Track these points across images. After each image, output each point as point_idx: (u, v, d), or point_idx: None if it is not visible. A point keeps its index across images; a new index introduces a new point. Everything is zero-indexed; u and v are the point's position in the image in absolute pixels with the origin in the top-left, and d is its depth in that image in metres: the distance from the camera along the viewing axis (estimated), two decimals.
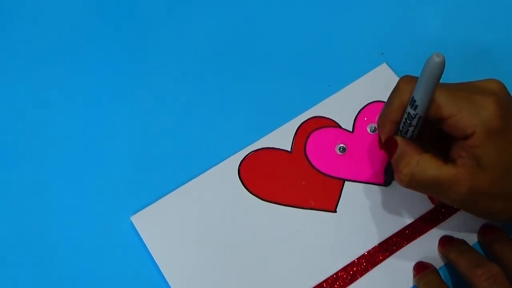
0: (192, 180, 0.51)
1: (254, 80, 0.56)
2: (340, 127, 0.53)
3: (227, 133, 0.54)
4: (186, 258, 0.49)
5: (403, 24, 0.57)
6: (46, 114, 0.55)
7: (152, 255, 0.49)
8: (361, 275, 0.48)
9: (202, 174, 0.52)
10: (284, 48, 0.57)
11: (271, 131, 0.53)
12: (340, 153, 0.52)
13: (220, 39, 0.58)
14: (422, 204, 0.50)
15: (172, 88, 0.56)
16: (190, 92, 0.56)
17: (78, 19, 0.59)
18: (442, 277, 0.46)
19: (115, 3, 0.60)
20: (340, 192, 0.51)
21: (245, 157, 0.52)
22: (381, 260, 0.48)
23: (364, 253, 0.49)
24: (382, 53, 0.56)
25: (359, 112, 0.54)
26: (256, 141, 0.53)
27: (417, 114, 0.42)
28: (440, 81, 0.41)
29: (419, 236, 0.49)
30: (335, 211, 0.50)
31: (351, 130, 0.53)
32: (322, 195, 0.51)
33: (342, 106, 0.54)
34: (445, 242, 0.48)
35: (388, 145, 0.46)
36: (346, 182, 0.51)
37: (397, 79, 0.54)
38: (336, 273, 0.48)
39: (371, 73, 0.55)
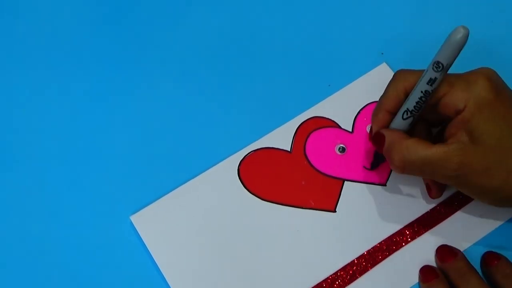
0: (192, 180, 0.51)
1: (254, 80, 0.56)
2: (340, 127, 0.53)
3: (226, 132, 0.54)
4: (185, 257, 0.49)
5: (403, 24, 0.57)
6: (46, 114, 0.55)
7: (152, 255, 0.49)
8: (361, 274, 0.48)
9: (202, 174, 0.52)
10: (283, 48, 0.57)
11: (270, 131, 0.53)
12: (339, 153, 0.53)
13: (220, 39, 0.58)
14: (421, 204, 0.50)
15: (171, 88, 0.56)
16: (189, 92, 0.56)
17: (78, 19, 0.59)
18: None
19: (115, 2, 0.60)
20: (340, 192, 0.51)
21: (244, 156, 0.52)
22: (381, 260, 0.48)
23: (364, 253, 0.49)
24: (382, 53, 0.56)
25: (358, 112, 0.54)
26: (255, 141, 0.53)
27: (432, 90, 0.43)
28: None
29: (418, 236, 0.49)
30: (335, 211, 0.50)
31: (350, 130, 0.53)
32: (322, 195, 0.51)
33: (342, 106, 0.54)
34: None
35: (376, 139, 0.47)
36: (345, 182, 0.51)
37: None
38: (336, 273, 0.48)
39: (371, 73, 0.55)
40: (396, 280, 0.48)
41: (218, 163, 0.52)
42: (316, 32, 0.58)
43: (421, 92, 0.44)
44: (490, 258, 0.47)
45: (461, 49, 0.42)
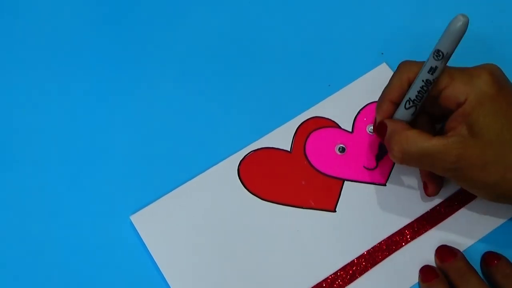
0: (192, 180, 0.51)
1: (254, 80, 0.56)
2: (340, 127, 0.53)
3: (226, 132, 0.54)
4: (185, 257, 0.49)
5: (403, 24, 0.57)
6: (46, 114, 0.55)
7: (152, 255, 0.49)
8: (361, 274, 0.48)
9: (202, 174, 0.52)
10: (283, 48, 0.57)
11: (270, 131, 0.53)
12: (339, 153, 0.53)
13: (220, 39, 0.58)
14: (421, 204, 0.50)
15: (171, 88, 0.56)
16: (189, 92, 0.56)
17: (78, 19, 0.59)
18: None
19: (115, 2, 0.60)
20: (340, 192, 0.51)
21: (244, 156, 0.52)
22: (381, 260, 0.48)
23: (364, 253, 0.49)
24: (382, 53, 0.56)
25: (358, 112, 0.54)
26: (255, 141, 0.53)
27: (434, 79, 0.44)
28: None
29: (418, 236, 0.49)
30: (335, 211, 0.50)
31: (350, 130, 0.53)
32: (322, 195, 0.51)
33: (342, 106, 0.54)
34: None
35: (379, 128, 0.47)
36: (345, 182, 0.51)
37: None
38: (336, 273, 0.48)
39: (370, 73, 0.55)
40: (396, 280, 0.48)
41: (218, 163, 0.52)
42: (316, 32, 0.58)
43: (422, 81, 0.44)
44: (490, 258, 0.47)
45: (461, 38, 0.42)
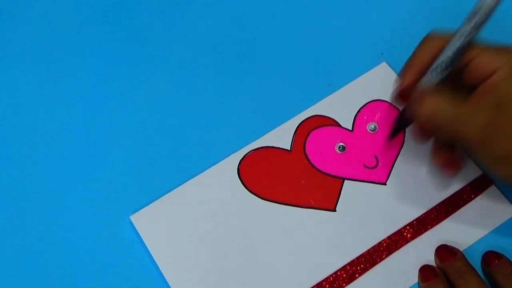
0: (192, 179, 0.51)
1: (254, 79, 0.56)
2: (340, 126, 0.53)
3: (226, 132, 0.53)
4: (185, 257, 0.49)
5: (403, 24, 0.57)
6: (46, 113, 0.55)
7: (152, 255, 0.49)
8: (361, 274, 0.48)
9: (202, 173, 0.52)
10: (283, 47, 0.57)
11: (270, 130, 0.53)
12: (339, 152, 0.52)
13: (219, 38, 0.58)
14: (421, 204, 0.50)
15: (171, 87, 0.56)
16: (189, 91, 0.55)
17: (77, 18, 0.59)
18: None
19: (115, 2, 0.60)
20: (340, 191, 0.51)
21: (244, 156, 0.52)
22: (381, 260, 0.48)
23: (364, 252, 0.49)
24: (382, 53, 0.55)
25: (358, 111, 0.54)
26: (255, 140, 0.53)
27: (466, 46, 0.43)
28: None
29: (418, 235, 0.49)
30: (335, 210, 0.50)
31: (350, 129, 0.53)
32: (322, 194, 0.51)
33: (342, 105, 0.54)
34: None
35: (404, 94, 0.46)
36: (345, 181, 0.51)
37: (396, 78, 0.54)
38: (336, 272, 0.48)
39: (371, 72, 0.55)
40: (396, 280, 0.48)
41: (218, 162, 0.52)
42: (316, 31, 0.57)
43: (457, 48, 0.44)
44: (490, 258, 0.47)
45: (497, 4, 0.42)
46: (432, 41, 0.46)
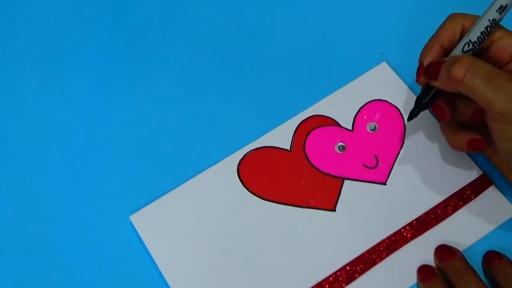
0: (191, 179, 0.51)
1: (254, 79, 0.56)
2: (340, 125, 0.53)
3: (226, 131, 0.53)
4: (185, 257, 0.49)
5: (403, 24, 0.57)
6: (46, 113, 0.55)
7: (151, 254, 0.49)
8: (360, 274, 0.48)
9: (201, 173, 0.52)
10: (283, 47, 0.57)
11: (270, 130, 0.53)
12: (339, 152, 0.52)
13: (219, 38, 0.58)
14: (421, 204, 0.50)
15: (171, 87, 0.56)
16: (189, 91, 0.55)
17: (77, 18, 0.59)
18: None
19: (115, 1, 0.60)
20: (340, 191, 0.51)
21: (244, 155, 0.52)
22: (381, 260, 0.48)
23: (363, 252, 0.49)
24: (382, 53, 0.55)
25: (358, 110, 0.54)
26: (255, 140, 0.53)
27: (500, 19, 0.44)
28: None
29: (418, 235, 0.49)
30: (335, 210, 0.50)
31: (350, 129, 0.53)
32: (322, 194, 0.51)
33: (342, 105, 0.54)
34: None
35: (431, 68, 0.45)
36: (345, 181, 0.51)
37: (396, 77, 0.54)
38: (335, 272, 0.48)
39: (371, 71, 0.55)
40: (396, 280, 0.48)
41: (217, 162, 0.52)
42: (316, 32, 0.57)
43: (489, 20, 0.44)
44: (491, 257, 0.47)
45: None
46: (455, 19, 0.46)
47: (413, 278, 0.48)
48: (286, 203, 0.51)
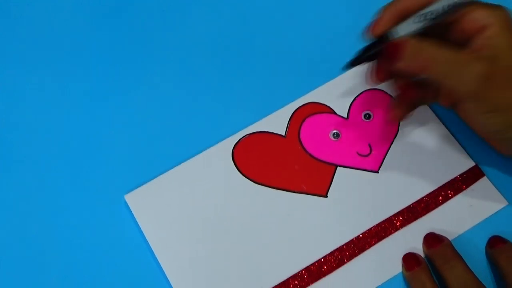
0: (186, 161, 0.52)
1: (251, 65, 0.56)
2: (335, 113, 0.54)
3: (222, 116, 0.54)
4: (177, 238, 0.50)
5: None
6: (40, 96, 0.56)
7: (145, 234, 0.50)
8: (349, 260, 0.48)
9: (196, 156, 0.52)
10: (281, 33, 0.57)
11: (266, 116, 0.54)
12: (333, 139, 0.53)
13: (216, 24, 0.58)
14: (412, 192, 0.50)
15: (167, 71, 0.56)
16: (185, 75, 0.56)
17: (77, 18, 0.59)
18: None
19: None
20: (332, 177, 0.51)
21: (239, 140, 0.53)
22: (369, 246, 0.49)
23: (353, 238, 0.49)
24: None
25: (354, 99, 0.54)
26: (250, 124, 0.53)
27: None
28: None
29: (408, 224, 0.49)
30: (326, 196, 0.51)
31: (345, 117, 0.53)
32: (314, 179, 0.51)
33: (338, 93, 0.54)
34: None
35: (378, 30, 0.46)
36: (338, 168, 0.52)
37: None
38: (324, 257, 0.48)
39: None
40: (384, 267, 0.48)
41: (213, 145, 0.53)
42: (314, 19, 0.58)
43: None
44: (495, 241, 0.48)
45: None
46: None
47: (401, 266, 0.48)
48: (279, 188, 0.51)
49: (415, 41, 0.44)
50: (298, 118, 0.53)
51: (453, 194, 0.50)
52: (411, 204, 0.50)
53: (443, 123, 0.52)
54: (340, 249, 0.49)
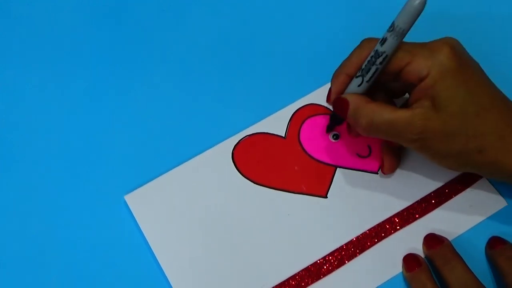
0: (186, 162, 0.52)
1: (251, 66, 0.56)
2: None
3: (222, 117, 0.54)
4: (177, 238, 0.50)
5: None
6: (41, 95, 0.56)
7: (144, 235, 0.50)
8: (349, 260, 0.48)
9: (196, 157, 0.52)
10: (281, 35, 0.57)
11: (266, 117, 0.54)
12: (333, 140, 0.53)
13: (216, 25, 0.58)
14: (411, 193, 0.50)
15: (168, 72, 0.56)
16: (186, 76, 0.56)
17: (76, 17, 0.59)
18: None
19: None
20: (332, 178, 0.52)
21: (239, 141, 0.53)
22: (369, 246, 0.49)
23: (353, 239, 0.49)
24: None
25: None
26: (250, 126, 0.53)
27: (384, 52, 0.44)
28: None
29: (408, 224, 0.49)
30: (326, 197, 0.51)
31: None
32: (314, 180, 0.51)
33: None
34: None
35: (339, 103, 0.47)
36: (338, 169, 0.52)
37: None
38: (324, 257, 0.48)
39: None
40: (383, 267, 0.48)
41: (213, 146, 0.53)
42: (315, 21, 0.58)
43: (373, 51, 0.45)
44: (495, 242, 0.48)
45: (417, 15, 0.43)
46: (363, 49, 0.47)
47: (401, 266, 0.48)
48: (279, 189, 0.51)
49: (355, 99, 0.46)
50: (298, 119, 0.54)
51: (453, 195, 0.50)
52: (410, 205, 0.50)
53: None
54: (340, 249, 0.49)
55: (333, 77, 0.49)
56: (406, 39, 0.45)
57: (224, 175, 0.52)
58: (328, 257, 0.49)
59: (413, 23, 0.43)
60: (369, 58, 0.46)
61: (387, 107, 0.45)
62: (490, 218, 0.49)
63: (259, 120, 0.54)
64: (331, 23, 0.58)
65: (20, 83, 0.56)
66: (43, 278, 0.49)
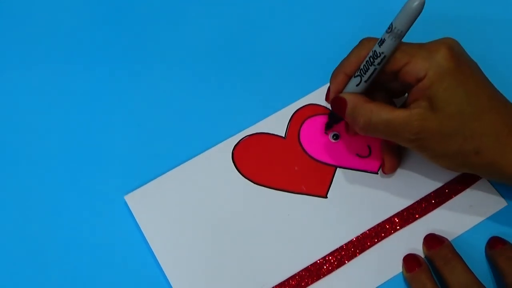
0: (186, 162, 0.52)
1: (251, 66, 0.56)
2: None
3: (222, 117, 0.54)
4: (177, 238, 0.50)
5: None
6: (41, 94, 0.56)
7: (144, 235, 0.50)
8: (349, 260, 0.48)
9: (196, 157, 0.52)
10: (281, 35, 0.58)
11: (266, 117, 0.54)
12: (333, 140, 0.53)
13: (216, 25, 0.58)
14: (411, 193, 0.50)
15: (167, 72, 0.56)
16: (186, 76, 0.56)
17: (76, 17, 0.59)
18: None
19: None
20: (332, 178, 0.52)
21: (239, 141, 0.53)
22: (369, 246, 0.49)
23: (353, 239, 0.49)
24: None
25: None
26: (250, 126, 0.53)
27: (382, 53, 0.44)
28: None
29: (408, 224, 0.49)
30: (326, 197, 0.51)
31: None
32: (314, 180, 0.51)
33: None
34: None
35: (337, 102, 0.47)
36: (338, 169, 0.52)
37: None
38: (324, 257, 0.48)
39: None
40: (383, 267, 0.48)
41: (213, 146, 0.53)
42: (314, 21, 0.58)
43: (372, 51, 0.45)
44: (495, 242, 0.48)
45: (416, 17, 0.43)
46: (361, 49, 0.47)
47: (401, 266, 0.48)
48: (278, 189, 0.51)
49: (354, 99, 0.46)
50: (298, 119, 0.54)
51: (453, 195, 0.50)
52: (410, 205, 0.50)
53: None
54: (340, 249, 0.49)
55: (332, 76, 0.49)
56: (404, 40, 0.45)
57: (224, 175, 0.52)
58: (328, 257, 0.49)
59: (411, 25, 0.43)
60: (367, 58, 0.46)
61: (385, 107, 0.45)
62: (490, 218, 0.49)
63: (259, 120, 0.54)
64: (331, 23, 0.58)
65: (20, 83, 0.56)
66: (43, 278, 0.49)
